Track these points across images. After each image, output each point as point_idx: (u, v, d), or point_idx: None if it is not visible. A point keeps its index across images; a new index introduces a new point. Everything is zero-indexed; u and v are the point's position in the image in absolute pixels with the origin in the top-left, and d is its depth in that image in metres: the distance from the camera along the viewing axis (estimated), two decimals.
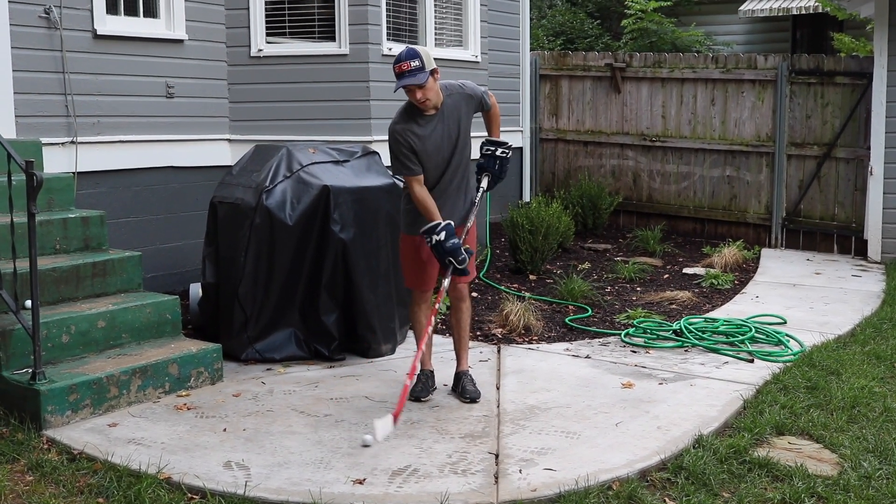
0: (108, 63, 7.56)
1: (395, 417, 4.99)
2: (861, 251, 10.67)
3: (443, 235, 5.31)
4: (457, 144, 5.51)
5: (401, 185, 6.73)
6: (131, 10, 7.84)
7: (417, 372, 5.41)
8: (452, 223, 5.41)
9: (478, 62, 9.96)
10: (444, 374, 5.95)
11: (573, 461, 4.71)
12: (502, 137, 5.81)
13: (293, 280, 6.47)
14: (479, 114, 5.77)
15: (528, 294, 8.37)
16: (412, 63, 5.22)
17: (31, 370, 5.12)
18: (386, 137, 8.46)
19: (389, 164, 5.64)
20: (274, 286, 6.44)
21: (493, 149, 5.70)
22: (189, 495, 4.33)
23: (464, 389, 5.69)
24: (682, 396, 5.76)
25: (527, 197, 11.68)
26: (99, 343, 5.67)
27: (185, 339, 6.14)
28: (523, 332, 7.27)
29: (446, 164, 5.50)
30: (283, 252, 6.40)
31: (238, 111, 8.61)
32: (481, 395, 5.68)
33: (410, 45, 5.45)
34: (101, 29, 7.46)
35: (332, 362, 6.43)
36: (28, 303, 5.16)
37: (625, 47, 15.71)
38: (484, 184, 5.70)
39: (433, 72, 5.31)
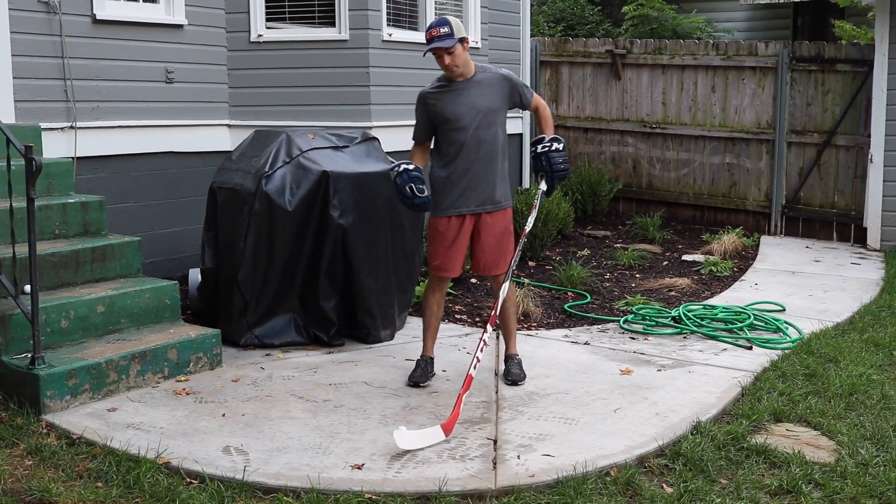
0: (108, 48, 7.54)
1: (447, 430, 4.84)
2: (860, 239, 10.68)
3: (412, 166, 5.50)
4: (481, 118, 5.53)
5: None
6: None
7: (470, 376, 5.26)
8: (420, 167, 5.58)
9: (478, 48, 9.93)
10: (443, 360, 5.96)
11: (571, 447, 4.72)
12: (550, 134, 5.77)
13: (292, 266, 6.46)
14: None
15: (527, 280, 8.38)
16: (441, 29, 5.43)
17: (30, 355, 5.12)
18: (385, 123, 8.52)
19: None
20: (273, 272, 6.44)
21: (534, 149, 5.72)
22: (188, 480, 4.34)
23: (508, 372, 5.80)
24: (681, 383, 5.77)
25: (526, 184, 11.67)
26: (98, 328, 5.67)
27: (184, 324, 6.15)
28: (522, 318, 7.27)
29: (466, 134, 5.53)
30: (283, 238, 6.40)
31: (238, 96, 8.59)
32: (524, 379, 5.75)
33: (442, 16, 5.72)
34: (101, 14, 7.43)
35: (330, 348, 6.44)
36: (27, 288, 5.16)
37: (625, 34, 15.66)
38: (543, 186, 5.73)
39: (462, 40, 5.47)
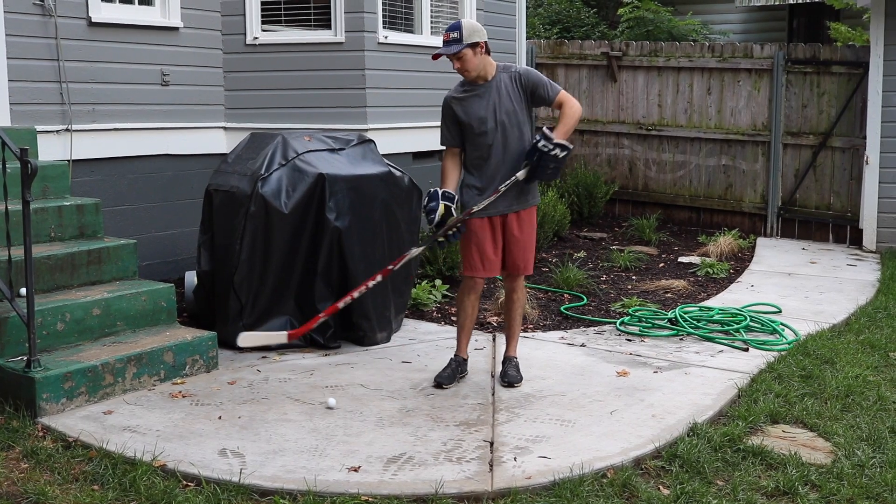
0: (103, 51, 7.53)
1: (290, 336, 5.48)
2: (856, 240, 10.69)
3: (425, 200, 5.51)
4: (504, 120, 5.52)
5: (397, 173, 6.76)
6: None
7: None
8: (450, 191, 5.53)
9: None
10: (440, 362, 5.95)
11: (568, 449, 4.72)
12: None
13: (288, 268, 6.46)
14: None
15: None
16: (451, 34, 5.49)
17: (25, 358, 5.11)
18: (381, 126, 8.52)
19: None
20: (269, 274, 6.44)
21: (537, 138, 5.49)
22: (184, 482, 4.33)
23: (504, 374, 5.77)
24: (677, 385, 5.77)
25: None
26: (94, 331, 5.67)
27: (180, 326, 6.14)
28: None
29: (491, 137, 5.53)
30: (279, 240, 6.39)
31: (233, 99, 8.59)
32: (521, 381, 5.73)
33: (460, 19, 5.75)
34: (96, 16, 7.43)
35: (327, 350, 6.43)
36: (23, 290, 5.15)
37: (621, 36, 15.68)
38: (520, 173, 5.49)
39: (475, 45, 5.47)
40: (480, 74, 5.57)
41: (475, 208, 5.48)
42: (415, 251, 5.61)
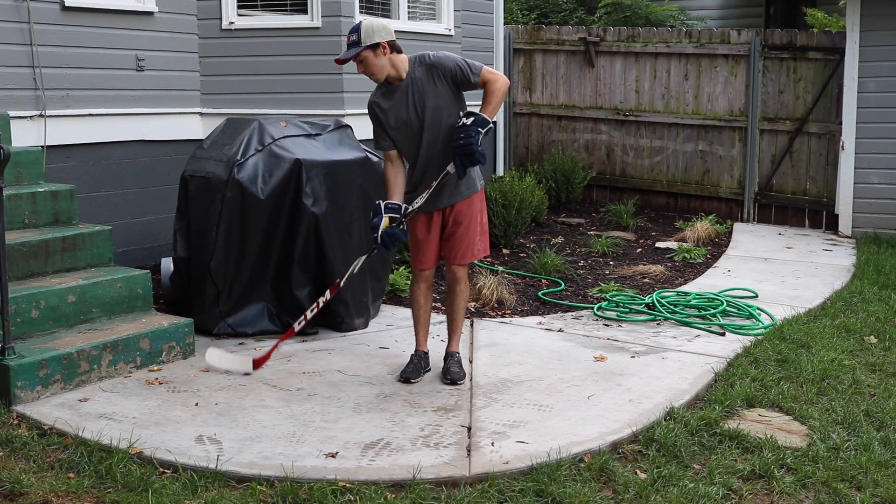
0: (77, 35, 7.46)
1: (255, 365, 5.23)
2: (832, 225, 10.76)
3: (371, 214, 5.37)
4: (428, 117, 5.33)
5: (374, 158, 6.73)
6: None
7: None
8: (395, 202, 5.30)
9: (451, 35, 9.91)
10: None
11: (545, 434, 4.73)
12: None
13: (265, 254, 6.43)
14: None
15: (501, 268, 8.38)
16: (351, 37, 5.27)
17: (0, 345, 5.07)
18: (358, 111, 8.47)
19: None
20: (246, 260, 6.41)
21: (462, 119, 5.30)
22: (161, 469, 4.31)
23: (447, 370, 5.59)
24: (654, 369, 5.79)
25: (500, 171, 11.66)
26: (69, 318, 5.63)
27: (156, 313, 6.10)
28: (496, 305, 7.29)
29: (418, 138, 5.37)
30: (255, 226, 6.36)
31: (209, 84, 8.53)
32: (464, 378, 5.59)
33: (366, 18, 5.46)
34: (70, 0, 7.35)
35: (304, 336, 6.41)
36: None
37: (599, 22, 15.68)
38: (450, 166, 5.27)
39: (375, 46, 5.23)
40: (392, 75, 5.33)
41: (409, 209, 5.33)
42: (358, 262, 5.44)
